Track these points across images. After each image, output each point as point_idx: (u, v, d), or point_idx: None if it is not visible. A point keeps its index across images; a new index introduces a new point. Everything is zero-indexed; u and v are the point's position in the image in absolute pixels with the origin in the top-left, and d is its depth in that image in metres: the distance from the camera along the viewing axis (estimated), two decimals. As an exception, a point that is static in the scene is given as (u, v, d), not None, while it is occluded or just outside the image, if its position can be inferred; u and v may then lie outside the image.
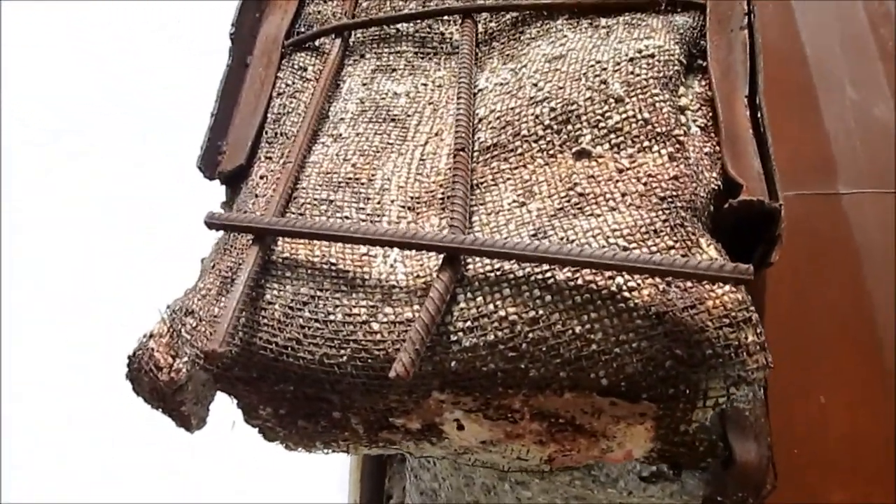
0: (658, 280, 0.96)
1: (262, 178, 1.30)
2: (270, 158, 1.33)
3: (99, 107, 2.88)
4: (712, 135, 1.22)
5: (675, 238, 1.01)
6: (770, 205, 1.10)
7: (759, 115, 1.24)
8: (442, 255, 1.02)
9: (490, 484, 1.63)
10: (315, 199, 1.17)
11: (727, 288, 0.97)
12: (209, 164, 1.37)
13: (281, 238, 1.11)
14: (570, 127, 1.16)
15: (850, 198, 2.43)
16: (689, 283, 0.96)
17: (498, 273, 1.00)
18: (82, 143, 2.76)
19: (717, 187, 1.15)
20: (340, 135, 1.28)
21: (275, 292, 1.07)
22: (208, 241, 1.25)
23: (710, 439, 1.10)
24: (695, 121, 1.22)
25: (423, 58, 1.45)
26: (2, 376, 2.40)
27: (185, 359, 1.09)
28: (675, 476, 1.38)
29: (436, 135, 1.26)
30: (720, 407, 1.00)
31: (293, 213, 1.16)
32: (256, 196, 1.26)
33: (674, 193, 1.06)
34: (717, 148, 1.19)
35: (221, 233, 1.23)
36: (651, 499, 1.44)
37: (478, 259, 1.02)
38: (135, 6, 3.17)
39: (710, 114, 1.23)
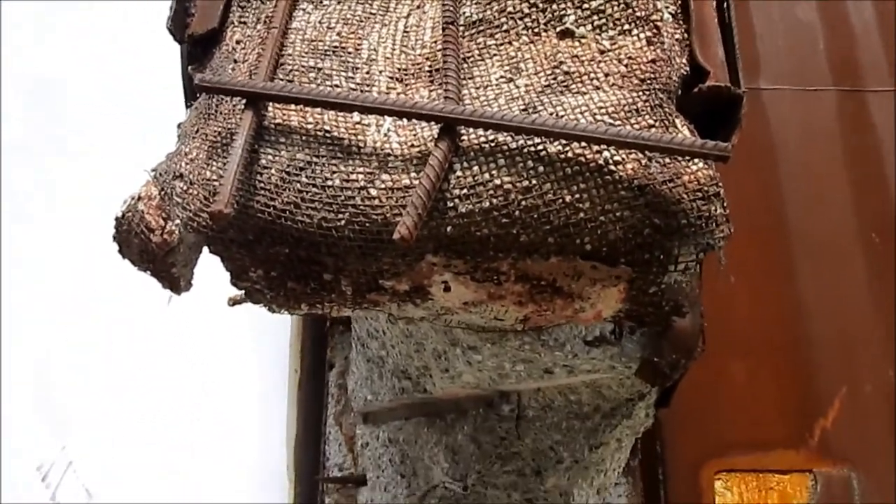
0: (641, 155, 1.04)
1: (238, 42, 1.28)
2: (245, 23, 1.31)
3: (99, 107, 2.71)
4: (681, 22, 1.28)
5: (655, 118, 1.09)
6: (735, 91, 1.19)
7: (725, 5, 1.32)
8: (438, 125, 1.06)
9: (441, 349, 1.74)
10: (303, 67, 1.17)
11: (700, 164, 1.06)
12: (179, 25, 1.33)
13: (272, 104, 1.12)
14: (554, 6, 1.20)
15: (770, 94, 2.59)
16: (667, 159, 1.05)
17: (493, 144, 1.06)
18: (82, 143, 2.61)
19: (685, 73, 1.23)
20: (321, 1, 1.27)
21: (270, 157, 1.09)
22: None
23: (676, 300, 1.21)
24: (667, 7, 1.28)
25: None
26: (1, 376, 2.32)
27: (178, 221, 1.10)
28: (615, 340, 1.51)
29: (418, 7, 1.27)
30: (689, 272, 1.11)
31: (282, 80, 1.16)
32: (235, 61, 1.24)
33: (652, 76, 1.14)
34: (686, 35, 1.26)
35: (202, 96, 1.22)
36: (593, 360, 1.57)
37: (472, 130, 1.07)
38: (135, 6, 2.93)
39: (681, 2, 1.30)
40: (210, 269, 1.16)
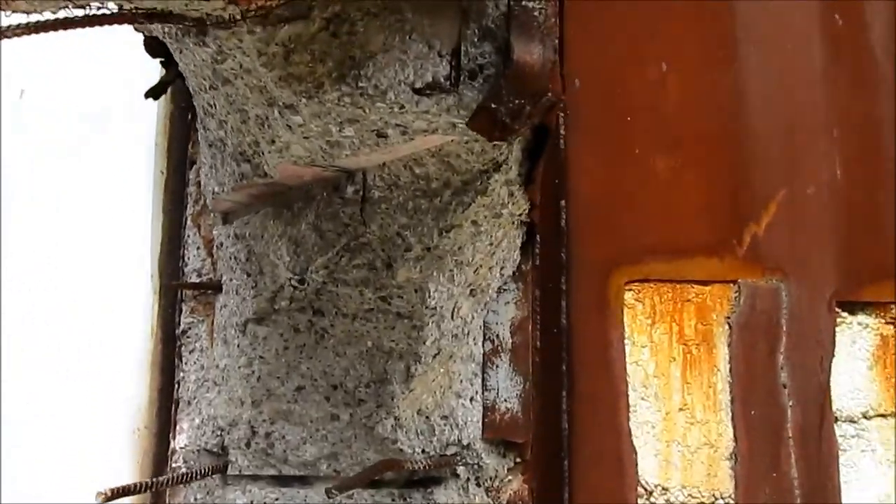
0: None
1: None
2: None
3: (100, 107, 2.30)
4: None
5: None
6: None
7: None
8: None
9: (263, 115, 1.44)
10: None
11: None
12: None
13: None
14: None
15: None
16: None
17: None
18: (83, 143, 2.22)
19: None
20: None
21: None
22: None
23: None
24: None
25: None
26: (2, 376, 2.07)
27: None
28: (451, 87, 1.21)
29: None
30: None
31: None
32: None
33: None
34: None
35: None
36: (427, 115, 1.27)
37: None
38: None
39: None
40: None
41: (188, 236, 1.96)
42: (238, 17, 0.98)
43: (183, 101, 2.08)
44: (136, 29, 1.65)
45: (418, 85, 1.23)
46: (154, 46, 1.80)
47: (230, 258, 1.75)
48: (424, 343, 1.61)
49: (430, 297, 1.54)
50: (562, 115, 1.90)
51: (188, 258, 1.96)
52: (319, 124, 1.35)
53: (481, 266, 1.62)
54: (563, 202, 1.87)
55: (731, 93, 2.07)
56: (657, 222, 1.98)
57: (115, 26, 1.07)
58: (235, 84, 1.41)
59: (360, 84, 1.24)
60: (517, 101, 1.16)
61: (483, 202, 1.47)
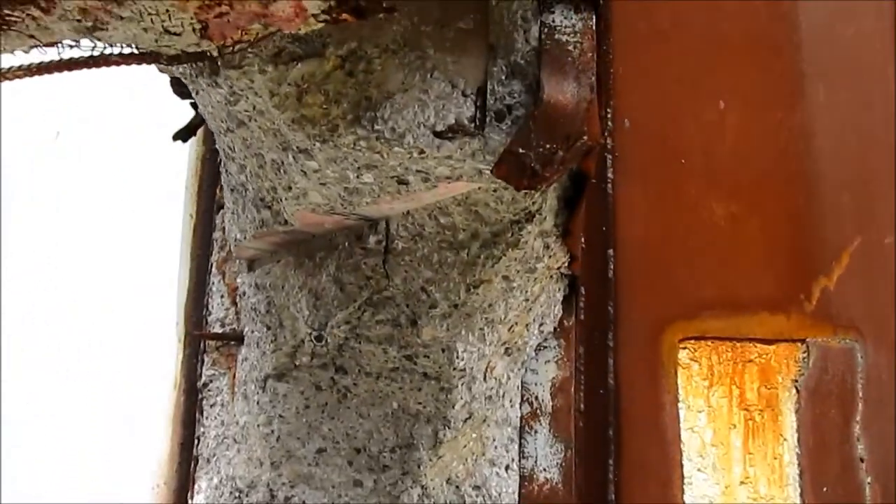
0: None
1: None
2: None
3: (101, 107, 2.37)
4: None
5: None
6: None
7: None
8: None
9: (278, 159, 1.34)
10: None
11: None
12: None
13: None
14: None
15: None
16: None
17: None
18: (83, 142, 2.29)
19: None
20: None
21: None
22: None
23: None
24: None
25: None
26: (2, 376, 2.10)
27: None
28: (475, 130, 1.08)
29: None
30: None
31: None
32: None
33: None
34: None
35: None
36: (449, 160, 1.15)
37: None
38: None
39: None
40: None
41: (212, 283, 1.87)
42: (215, 52, 0.88)
43: (213, 143, 2.01)
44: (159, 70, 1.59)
45: (440, 128, 1.11)
46: (180, 88, 1.73)
47: (251, 309, 1.65)
48: (454, 406, 1.47)
49: (458, 357, 1.40)
50: (609, 156, 1.77)
51: (212, 306, 1.86)
52: (336, 170, 1.24)
53: (516, 323, 1.47)
54: (610, 251, 1.72)
55: (796, 133, 1.89)
56: (715, 274, 1.80)
57: (104, 68, 0.99)
58: (250, 126, 1.31)
59: (377, 127, 1.13)
60: (548, 146, 1.03)
61: (515, 255, 1.33)
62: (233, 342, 1.80)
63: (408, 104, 1.12)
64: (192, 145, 2.07)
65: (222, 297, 1.85)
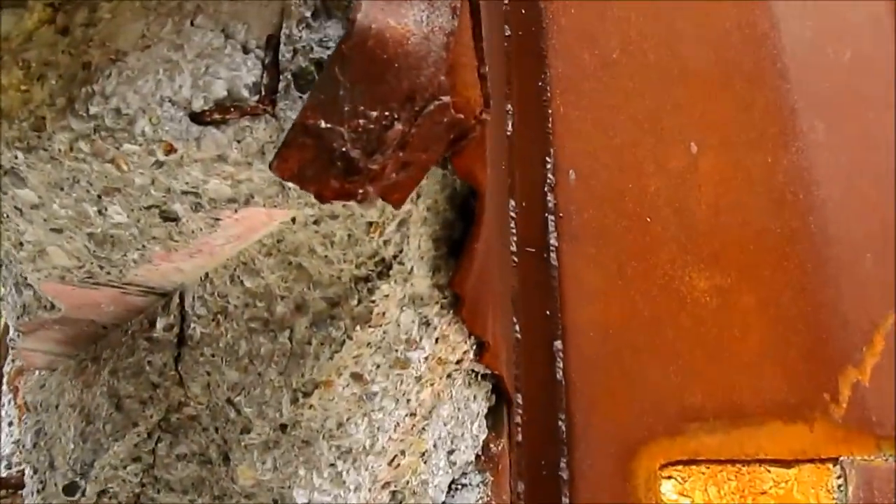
0: None
1: None
2: None
3: None
4: None
5: None
6: None
7: None
8: None
9: (7, 212, 0.84)
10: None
11: None
12: None
13: None
14: None
15: None
16: None
17: None
18: None
19: None
20: None
21: None
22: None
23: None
24: None
25: None
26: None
27: None
28: (262, 107, 0.61)
29: None
30: None
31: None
32: None
33: None
34: None
35: None
36: (223, 165, 0.66)
37: None
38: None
39: None
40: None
41: (3, 405, 1.34)
42: None
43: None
44: None
45: (199, 105, 0.63)
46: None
47: (21, 444, 1.11)
48: (307, 590, 0.91)
49: (296, 511, 0.85)
50: (552, 217, 1.32)
51: (2, 439, 1.33)
52: (65, 201, 0.74)
53: (401, 452, 0.93)
54: (557, 343, 1.26)
55: (793, 178, 1.44)
56: (703, 371, 1.31)
57: None
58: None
59: (92, 110, 0.65)
60: (373, 114, 0.54)
61: (366, 338, 0.80)
62: (20, 489, 1.25)
63: (146, 69, 0.64)
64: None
65: (10, 424, 1.31)
